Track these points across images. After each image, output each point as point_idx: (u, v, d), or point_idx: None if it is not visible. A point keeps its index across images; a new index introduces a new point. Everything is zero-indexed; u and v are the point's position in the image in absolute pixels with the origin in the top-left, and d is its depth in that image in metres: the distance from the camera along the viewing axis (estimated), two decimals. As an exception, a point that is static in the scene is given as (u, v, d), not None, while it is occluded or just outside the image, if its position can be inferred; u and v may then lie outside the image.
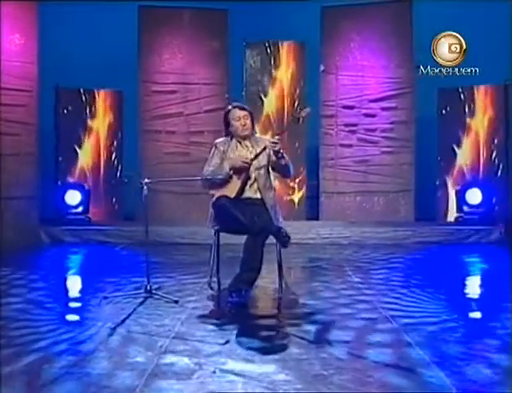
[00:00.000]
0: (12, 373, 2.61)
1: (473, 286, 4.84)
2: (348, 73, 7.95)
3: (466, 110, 7.75)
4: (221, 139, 4.38)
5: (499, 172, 7.55)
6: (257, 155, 4.14)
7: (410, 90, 7.80)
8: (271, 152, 4.09)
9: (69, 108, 7.84)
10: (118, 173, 8.04)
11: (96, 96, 8.01)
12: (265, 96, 8.04)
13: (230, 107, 4.37)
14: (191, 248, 6.48)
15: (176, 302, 3.88)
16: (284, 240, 3.98)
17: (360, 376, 2.56)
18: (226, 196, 4.07)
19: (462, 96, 7.75)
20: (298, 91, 8.04)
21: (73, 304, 3.99)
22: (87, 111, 7.95)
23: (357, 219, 7.68)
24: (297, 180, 7.86)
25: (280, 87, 8.06)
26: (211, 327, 3.35)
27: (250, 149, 4.25)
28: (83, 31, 8.17)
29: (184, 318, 3.53)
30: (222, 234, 4.37)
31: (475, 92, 7.69)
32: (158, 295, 4.00)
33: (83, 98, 7.93)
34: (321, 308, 3.75)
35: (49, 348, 2.95)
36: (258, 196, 4.16)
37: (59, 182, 7.62)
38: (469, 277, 5.13)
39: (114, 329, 3.26)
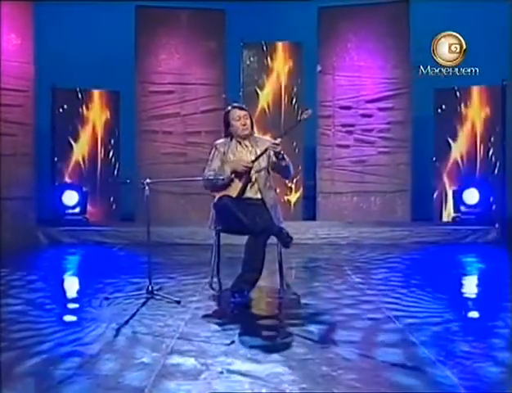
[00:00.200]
0: (18, 376, 2.60)
1: (472, 286, 4.86)
2: (344, 73, 7.96)
3: (463, 110, 7.78)
4: (221, 140, 4.40)
5: (496, 172, 7.57)
6: (257, 158, 4.15)
7: (406, 90, 7.82)
8: (272, 153, 4.10)
9: (66, 108, 7.79)
10: (115, 173, 8.01)
11: (93, 96, 7.97)
12: (262, 96, 8.03)
13: (229, 108, 4.39)
14: (191, 248, 6.48)
15: (178, 303, 3.88)
16: (286, 240, 4.00)
17: (368, 376, 2.57)
18: (228, 196, 4.08)
19: (459, 96, 7.78)
20: (295, 91, 8.04)
21: (74, 306, 3.96)
22: (84, 112, 7.90)
23: (354, 220, 7.70)
24: (295, 180, 7.86)
25: (278, 87, 8.06)
26: (215, 327, 3.35)
27: (250, 149, 4.28)
28: (80, 31, 8.13)
29: (187, 318, 3.53)
30: (221, 235, 4.38)
31: (472, 92, 7.71)
32: (160, 296, 4.00)
33: (80, 98, 7.89)
34: (324, 308, 3.76)
35: (53, 350, 2.93)
36: (259, 196, 4.19)
37: (56, 183, 7.57)
38: (468, 277, 5.15)
39: (118, 330, 3.26)
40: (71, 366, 2.68)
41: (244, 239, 4.06)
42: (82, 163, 7.89)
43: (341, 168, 7.97)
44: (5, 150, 6.71)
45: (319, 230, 7.02)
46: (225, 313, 3.71)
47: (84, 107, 7.91)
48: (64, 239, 6.92)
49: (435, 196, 7.89)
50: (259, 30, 8.11)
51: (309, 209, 8.03)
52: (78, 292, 4.53)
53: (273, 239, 4.05)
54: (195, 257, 5.97)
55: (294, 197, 7.98)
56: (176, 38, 8.06)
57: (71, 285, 4.96)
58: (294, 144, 7.80)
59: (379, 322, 3.41)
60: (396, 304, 3.87)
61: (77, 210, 7.36)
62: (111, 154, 8.04)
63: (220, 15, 7.99)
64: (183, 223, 7.39)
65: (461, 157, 7.81)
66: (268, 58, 8.07)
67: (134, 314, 3.61)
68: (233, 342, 3.05)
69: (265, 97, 8.05)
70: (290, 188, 7.94)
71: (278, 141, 4.00)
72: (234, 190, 4.13)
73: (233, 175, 4.14)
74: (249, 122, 4.29)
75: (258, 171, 4.19)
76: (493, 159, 7.61)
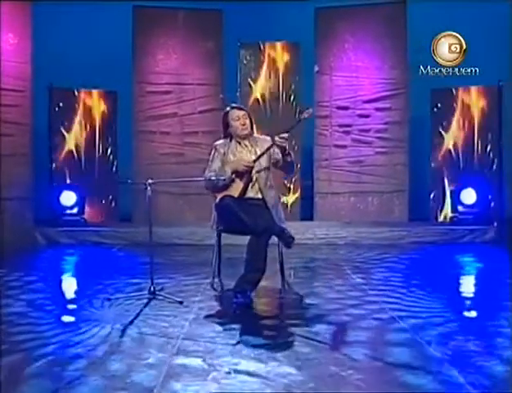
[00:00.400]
0: (24, 379, 2.58)
1: (472, 286, 4.88)
2: (342, 74, 7.99)
3: (459, 111, 7.81)
4: (220, 141, 4.39)
5: (493, 172, 7.60)
6: (259, 157, 4.16)
7: (403, 91, 7.86)
8: (277, 149, 4.10)
9: (63, 108, 7.77)
10: (113, 173, 7.99)
11: (91, 96, 7.95)
12: (259, 96, 8.04)
13: (228, 108, 4.38)
14: (190, 249, 6.49)
15: (181, 303, 3.87)
16: (288, 241, 4.01)
17: (376, 376, 2.59)
18: (229, 196, 4.09)
19: (455, 96, 7.81)
20: (292, 92, 8.04)
21: (75, 307, 3.92)
22: (81, 112, 7.87)
23: (352, 220, 7.72)
24: (293, 180, 7.87)
25: (275, 87, 8.06)
26: (219, 327, 3.35)
27: (250, 149, 4.28)
28: (77, 31, 8.11)
29: (191, 318, 3.52)
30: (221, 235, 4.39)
31: (468, 92, 7.74)
32: (162, 297, 4.00)
33: (77, 98, 7.86)
34: (327, 309, 3.76)
35: (58, 352, 2.91)
36: (260, 196, 4.19)
37: (54, 183, 7.54)
38: (467, 277, 5.18)
39: (123, 331, 3.25)
40: (78, 367, 2.67)
41: (243, 239, 4.07)
42: (79, 163, 7.86)
43: (338, 168, 7.99)
44: (3, 150, 6.68)
45: (317, 230, 7.03)
46: (228, 314, 3.71)
47: (81, 107, 7.89)
48: (62, 240, 6.91)
49: (432, 196, 7.91)
50: (256, 30, 8.13)
51: (306, 209, 8.04)
52: (78, 293, 4.50)
53: (274, 239, 4.05)
54: (194, 257, 5.98)
55: (291, 198, 7.98)
56: (173, 38, 8.06)
57: (71, 286, 4.94)
58: (294, 142, 7.79)
59: (384, 323, 3.42)
60: (398, 304, 3.87)
61: (75, 210, 7.34)
62: (109, 154, 8.02)
63: (217, 15, 7.99)
64: (181, 223, 7.40)
65: (458, 158, 7.84)
66: (266, 58, 8.07)
67: (138, 315, 3.60)
68: (238, 342, 3.05)
69: (262, 97, 8.05)
70: (289, 189, 7.94)
71: (286, 135, 3.98)
72: (235, 190, 4.14)
73: (234, 175, 4.14)
74: (248, 122, 4.30)
75: (258, 171, 4.19)
76: (490, 159, 7.65)
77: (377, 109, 7.94)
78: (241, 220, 3.89)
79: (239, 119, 4.26)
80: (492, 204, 7.45)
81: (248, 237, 3.97)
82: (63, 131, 7.76)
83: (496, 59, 6.97)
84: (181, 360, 2.76)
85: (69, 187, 7.47)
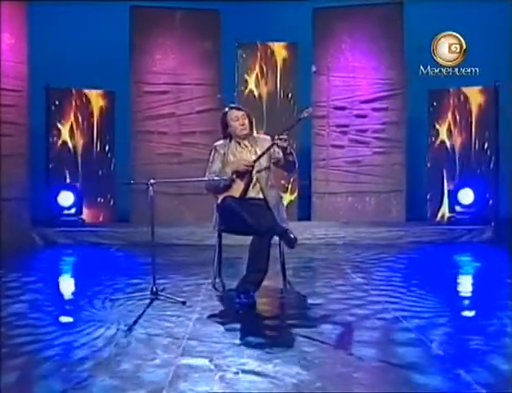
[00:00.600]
0: (31, 381, 2.58)
1: (472, 285, 4.90)
2: (339, 74, 8.00)
3: (456, 111, 7.84)
4: (220, 142, 4.38)
5: (490, 172, 7.63)
6: (260, 156, 4.16)
7: (401, 91, 7.88)
8: (277, 149, 4.10)
9: (60, 108, 7.74)
10: (111, 173, 7.96)
11: (88, 96, 7.93)
12: (257, 97, 8.05)
13: (227, 109, 4.37)
14: (188, 249, 6.49)
15: (183, 303, 3.87)
16: (291, 241, 4.01)
17: (383, 375, 2.59)
18: (231, 197, 4.08)
19: (453, 97, 7.83)
20: (290, 92, 8.05)
21: (76, 308, 3.90)
22: (78, 112, 7.84)
23: (349, 220, 7.74)
24: (291, 179, 7.88)
25: (272, 88, 8.07)
26: (223, 327, 3.35)
27: (250, 149, 4.28)
28: (74, 31, 8.06)
29: (195, 318, 3.52)
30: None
31: (466, 93, 7.77)
32: (164, 297, 3.99)
33: (74, 98, 7.83)
34: (331, 309, 3.77)
35: (64, 353, 2.90)
36: (261, 196, 4.19)
37: (51, 184, 7.50)
38: (466, 276, 5.22)
39: (127, 332, 3.24)
40: (85, 368, 2.66)
41: (242, 240, 4.09)
42: (77, 163, 7.83)
43: (336, 168, 8.00)
44: (1, 150, 6.66)
45: (316, 230, 7.04)
46: (231, 314, 3.70)
47: (79, 108, 7.86)
48: (59, 240, 6.88)
49: (429, 196, 7.94)
50: (254, 30, 8.11)
51: (304, 209, 8.04)
52: (79, 294, 4.45)
53: (275, 239, 4.05)
54: (193, 257, 5.98)
55: (289, 198, 7.98)
56: (171, 38, 8.04)
57: (71, 287, 4.93)
58: (291, 142, 7.80)
59: (388, 323, 3.43)
60: (400, 304, 3.89)
61: (72, 210, 7.31)
62: (107, 154, 7.99)
63: (215, 15, 7.98)
64: (180, 223, 7.37)
65: (456, 158, 7.87)
66: (263, 59, 8.07)
67: (141, 315, 3.59)
68: (244, 343, 3.05)
69: (260, 97, 8.06)
70: (286, 189, 7.94)
71: (285, 136, 3.98)
72: (236, 191, 4.13)
73: (234, 176, 4.13)
74: (247, 122, 4.29)
75: (259, 171, 4.19)
76: (487, 159, 7.67)
77: (374, 109, 7.95)
78: (244, 220, 3.89)
79: (238, 119, 4.26)
80: (491, 201, 7.47)
81: (248, 238, 3.97)
82: (60, 131, 7.73)
83: (493, 59, 7.00)
84: (188, 360, 2.76)
85: (67, 188, 7.44)
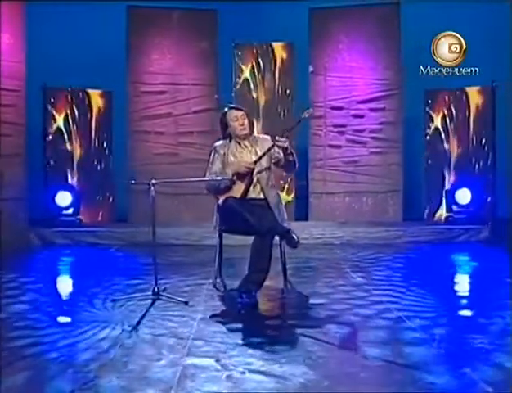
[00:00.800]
0: (37, 382, 2.57)
1: (472, 285, 4.92)
2: (336, 74, 8.01)
3: (454, 111, 7.87)
4: (220, 142, 4.38)
5: (487, 172, 7.66)
6: (260, 158, 4.16)
7: (397, 91, 7.90)
8: (278, 149, 4.10)
9: (57, 108, 7.71)
10: (108, 173, 7.93)
11: (85, 96, 7.89)
12: (254, 97, 8.05)
13: (226, 109, 4.37)
14: (187, 249, 6.48)
15: (186, 303, 3.87)
16: (293, 241, 4.02)
17: (390, 374, 2.60)
18: (233, 197, 4.09)
19: (450, 97, 7.86)
20: (287, 92, 8.06)
21: (77, 309, 3.88)
22: (76, 112, 7.81)
23: (346, 220, 7.75)
24: (288, 180, 7.88)
25: (270, 88, 8.07)
26: (228, 327, 3.35)
27: (250, 149, 4.28)
28: (71, 31, 8.02)
29: (199, 318, 3.52)
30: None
31: (463, 93, 7.80)
32: (166, 297, 3.99)
33: (71, 98, 7.80)
34: (334, 309, 3.77)
35: (70, 354, 2.89)
36: (262, 196, 4.20)
37: (49, 184, 7.47)
38: (465, 276, 5.25)
39: (132, 332, 3.24)
40: (92, 369, 2.65)
41: (243, 240, 4.10)
42: (74, 164, 7.80)
43: (333, 168, 8.01)
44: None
45: (313, 230, 7.04)
46: (234, 314, 3.71)
47: (76, 107, 7.82)
48: (57, 240, 6.86)
49: (426, 196, 7.96)
50: (251, 31, 8.12)
51: (301, 209, 8.05)
52: (79, 295, 4.43)
53: (275, 239, 4.06)
54: (192, 257, 5.98)
55: (286, 199, 7.97)
56: (168, 38, 8.03)
57: (71, 287, 4.92)
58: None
59: (392, 322, 3.44)
60: (402, 303, 3.90)
61: (70, 210, 7.28)
62: (104, 154, 7.96)
63: (212, 15, 7.98)
64: (178, 223, 7.35)
65: (452, 158, 7.90)
66: (260, 59, 8.07)
67: (144, 316, 3.59)
68: (249, 342, 3.06)
69: (257, 97, 8.06)
70: (283, 188, 7.94)
71: (286, 136, 3.99)
72: (237, 192, 4.14)
73: (235, 177, 4.14)
74: (246, 122, 4.30)
75: (260, 171, 4.19)
76: (484, 159, 7.71)
77: (371, 109, 7.97)
78: (246, 221, 3.90)
79: (237, 119, 4.26)
80: (489, 199, 7.49)
81: (247, 238, 3.99)
82: (57, 131, 7.69)
83: (492, 59, 7.03)
84: (194, 361, 2.76)
85: (65, 188, 7.42)
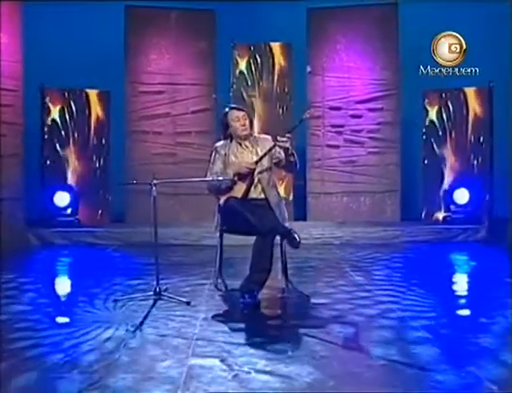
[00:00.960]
0: (43, 383, 2.56)
1: (472, 285, 4.94)
2: (334, 74, 8.03)
3: (451, 111, 7.89)
4: (220, 142, 4.38)
5: (485, 172, 7.68)
6: (261, 158, 4.17)
7: (395, 92, 7.93)
8: (279, 149, 4.11)
9: (55, 108, 7.68)
10: (107, 173, 7.90)
11: (83, 96, 7.85)
12: (252, 97, 8.05)
13: (227, 109, 4.37)
14: (186, 249, 6.49)
15: (188, 304, 3.87)
16: (295, 242, 4.02)
17: (395, 374, 2.61)
18: (234, 198, 4.09)
19: (447, 97, 7.87)
20: (285, 92, 8.07)
21: (78, 309, 3.86)
22: (74, 112, 7.78)
23: (344, 220, 7.77)
24: (286, 180, 7.88)
25: (268, 88, 8.08)
26: (231, 327, 3.35)
27: (251, 149, 4.28)
28: (69, 31, 7.99)
29: (201, 319, 3.52)
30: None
31: (460, 94, 7.81)
32: (168, 297, 3.98)
33: (69, 98, 7.77)
34: (337, 308, 3.78)
35: (73, 355, 2.87)
36: (263, 196, 4.20)
37: (47, 184, 7.44)
38: (465, 276, 5.27)
39: (135, 332, 3.23)
40: (97, 370, 2.65)
41: (243, 240, 4.11)
42: (72, 164, 7.77)
43: (331, 168, 8.03)
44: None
45: (312, 230, 7.05)
46: (236, 314, 3.72)
47: (73, 107, 7.79)
48: (56, 241, 6.85)
49: (424, 196, 7.97)
50: (249, 31, 8.11)
51: (299, 209, 8.05)
52: (79, 295, 4.41)
53: (276, 239, 4.06)
54: (191, 257, 5.99)
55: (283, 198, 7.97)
56: (166, 38, 8.03)
57: (71, 288, 4.90)
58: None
59: (395, 322, 3.45)
60: (403, 303, 3.91)
61: (68, 211, 7.26)
62: (102, 154, 7.93)
63: (210, 15, 7.98)
64: (176, 223, 7.35)
65: (450, 157, 7.91)
66: (258, 59, 8.08)
67: (147, 316, 3.59)
68: (252, 342, 3.06)
69: (255, 97, 8.06)
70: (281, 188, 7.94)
71: (287, 136, 3.99)
72: (238, 192, 4.14)
73: (236, 177, 4.14)
74: (247, 122, 4.30)
75: (260, 171, 4.20)
76: (482, 159, 7.73)
77: (369, 109, 7.99)
78: (247, 221, 3.90)
79: (238, 119, 4.26)
80: (487, 197, 7.51)
81: (248, 238, 3.99)
82: (55, 131, 7.66)
83: (491, 59, 7.06)
84: (199, 361, 2.75)
85: (63, 188, 7.39)
